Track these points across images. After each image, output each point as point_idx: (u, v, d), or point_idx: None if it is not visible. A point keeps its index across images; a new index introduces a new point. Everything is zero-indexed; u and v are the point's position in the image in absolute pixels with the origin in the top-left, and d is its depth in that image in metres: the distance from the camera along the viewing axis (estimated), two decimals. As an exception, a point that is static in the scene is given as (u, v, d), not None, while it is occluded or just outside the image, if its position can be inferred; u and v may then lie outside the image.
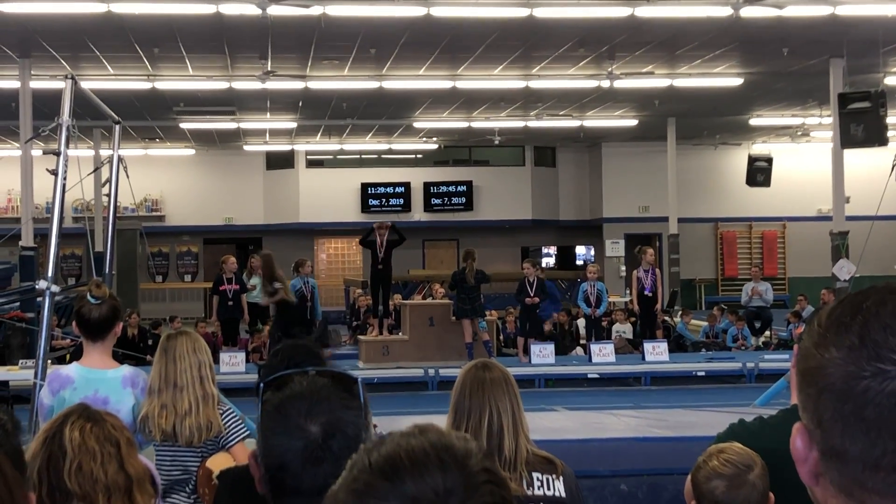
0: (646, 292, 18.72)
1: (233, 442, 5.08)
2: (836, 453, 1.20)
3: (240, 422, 5.15)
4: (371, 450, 1.34)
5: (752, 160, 28.29)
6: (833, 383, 1.19)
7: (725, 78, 22.25)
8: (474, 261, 17.22)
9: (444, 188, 33.64)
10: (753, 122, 28.55)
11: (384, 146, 32.10)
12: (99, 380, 5.13)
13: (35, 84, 19.26)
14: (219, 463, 4.77)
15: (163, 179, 32.30)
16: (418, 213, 33.39)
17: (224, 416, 5.10)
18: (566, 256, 35.51)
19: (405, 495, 1.26)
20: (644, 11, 16.41)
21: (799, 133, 30.70)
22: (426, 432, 1.35)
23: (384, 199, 33.42)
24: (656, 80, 22.16)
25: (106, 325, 5.19)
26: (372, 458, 1.31)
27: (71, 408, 2.82)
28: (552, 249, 35.79)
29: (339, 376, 2.12)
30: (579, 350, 20.30)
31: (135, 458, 2.78)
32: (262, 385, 2.12)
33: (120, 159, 10.73)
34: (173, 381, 5.01)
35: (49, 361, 8.63)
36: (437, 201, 33.50)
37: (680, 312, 22.03)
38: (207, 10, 15.81)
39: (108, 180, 10.74)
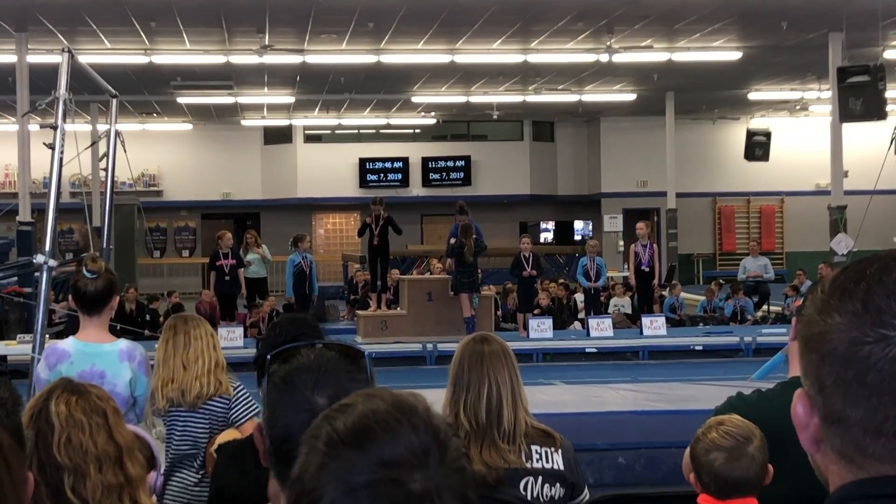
0: (643, 267, 18.73)
1: (243, 419, 5.10)
2: (838, 419, 1.21)
3: (250, 399, 5.15)
4: (333, 419, 1.32)
5: (750, 134, 28.26)
6: (836, 349, 1.20)
7: (724, 52, 22.19)
8: (471, 237, 17.20)
9: (442, 163, 33.60)
10: (752, 96, 28.50)
11: (382, 121, 32.06)
12: (95, 354, 5.13)
13: (32, 58, 19.19)
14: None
15: (160, 154, 32.25)
16: (416, 188, 33.36)
17: (236, 390, 5.13)
18: (564, 231, 35.52)
19: (383, 461, 1.25)
20: (643, -15, 16.36)
21: (797, 107, 30.66)
22: (381, 395, 1.34)
23: (382, 174, 33.38)
24: (655, 55, 22.11)
25: (102, 299, 5.19)
26: (338, 429, 1.29)
27: (55, 382, 2.82)
28: (550, 224, 35.79)
29: (346, 349, 2.12)
30: (577, 325, 20.34)
31: (122, 427, 2.78)
32: (268, 357, 2.11)
33: (117, 134, 10.69)
34: (183, 346, 5.05)
35: (47, 336, 8.63)
36: (436, 176, 33.47)
37: (669, 288, 22.01)
38: (204, -17, 15.76)
39: (106, 155, 10.70)
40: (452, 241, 17.56)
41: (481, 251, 17.51)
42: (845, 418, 1.20)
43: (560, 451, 3.81)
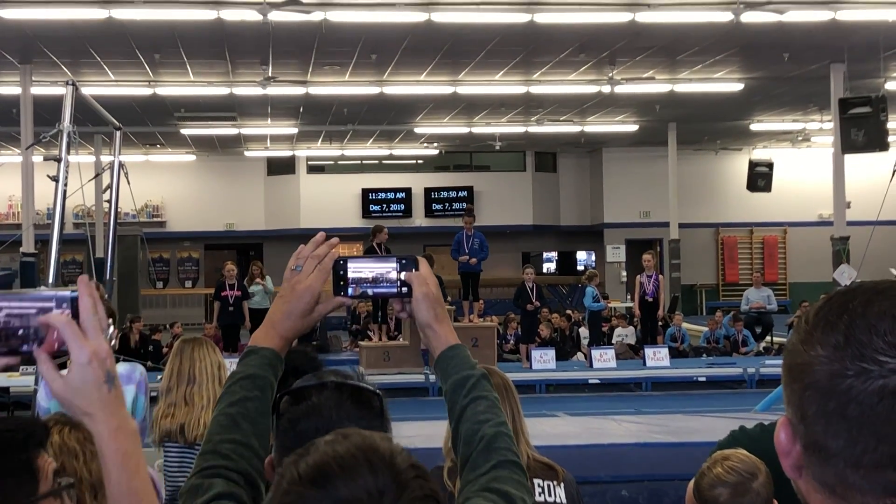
0: (647, 297, 18.72)
1: None
2: (819, 448, 1.21)
3: None
4: (298, 460, 1.38)
5: (752, 165, 28.26)
6: (818, 380, 1.20)
7: (726, 83, 22.26)
8: (432, 267, 17.17)
9: (444, 193, 33.64)
10: (754, 127, 28.56)
11: (385, 152, 32.11)
12: None
13: (36, 90, 19.26)
14: None
15: (164, 185, 32.30)
16: (419, 219, 33.39)
17: None
18: (567, 262, 35.49)
19: (339, 500, 1.31)
20: (644, 17, 16.42)
21: (800, 138, 30.69)
22: (349, 437, 1.40)
23: (385, 205, 33.42)
24: (657, 86, 22.17)
25: None
26: (300, 469, 1.36)
27: (49, 416, 2.82)
28: (553, 255, 35.77)
29: (359, 390, 2.11)
30: (580, 356, 20.31)
31: None
32: (278, 396, 2.11)
33: (121, 165, 10.72)
34: (189, 378, 5.02)
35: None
36: (438, 207, 33.49)
37: (670, 318, 22.05)
38: (209, 15, 15.82)
39: (109, 186, 10.74)
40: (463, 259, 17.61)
41: (440, 284, 17.39)
42: (826, 448, 1.20)
43: (563, 484, 3.80)
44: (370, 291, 2.16)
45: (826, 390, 1.19)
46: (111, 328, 2.29)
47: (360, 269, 2.15)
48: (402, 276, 2.15)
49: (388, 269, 2.16)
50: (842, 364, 1.18)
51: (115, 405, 1.66)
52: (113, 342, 5.25)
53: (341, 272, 2.15)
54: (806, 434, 1.23)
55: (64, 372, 1.65)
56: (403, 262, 2.17)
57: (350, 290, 2.16)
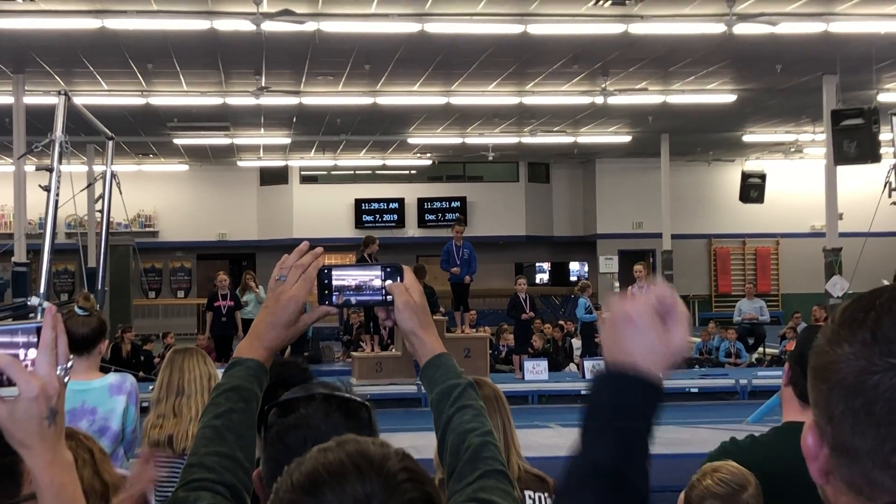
0: (640, 308, 18.69)
1: None
2: (847, 450, 1.20)
3: None
4: (293, 470, 1.42)
5: (745, 176, 28.32)
6: (844, 378, 1.20)
7: (719, 94, 22.29)
8: (423, 278, 17.20)
9: (437, 204, 33.65)
10: (747, 138, 28.60)
11: (378, 162, 32.12)
12: (85, 391, 5.13)
13: (28, 99, 19.24)
14: None
15: (156, 195, 32.27)
16: (412, 229, 33.38)
17: None
18: (560, 272, 35.51)
19: None
20: (637, 28, 16.44)
21: (792, 149, 30.74)
22: (343, 444, 1.43)
23: (378, 215, 33.42)
24: (650, 97, 22.20)
25: (92, 341, 5.20)
26: (294, 478, 1.40)
27: None
28: (546, 265, 35.78)
29: (347, 402, 2.11)
30: (573, 367, 20.30)
31: (110, 467, 2.78)
32: (267, 407, 2.11)
33: (113, 175, 10.71)
34: (178, 389, 5.02)
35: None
36: (431, 217, 33.49)
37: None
38: (202, 26, 15.81)
39: (102, 196, 10.72)
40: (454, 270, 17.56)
41: (431, 294, 17.33)
42: (854, 449, 1.19)
43: (554, 496, 3.79)
44: (353, 299, 2.16)
45: (853, 388, 1.18)
46: (70, 363, 2.29)
47: (343, 277, 2.15)
48: (386, 284, 2.14)
49: (372, 277, 2.15)
50: (869, 360, 1.18)
51: (54, 439, 1.72)
52: (99, 354, 5.20)
53: (325, 281, 2.15)
54: (833, 435, 1.21)
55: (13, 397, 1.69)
56: (388, 270, 2.16)
57: (334, 299, 2.15)
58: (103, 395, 5.16)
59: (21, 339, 1.73)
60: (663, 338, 1.47)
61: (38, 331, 1.71)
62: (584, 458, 1.42)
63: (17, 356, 1.71)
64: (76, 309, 5.14)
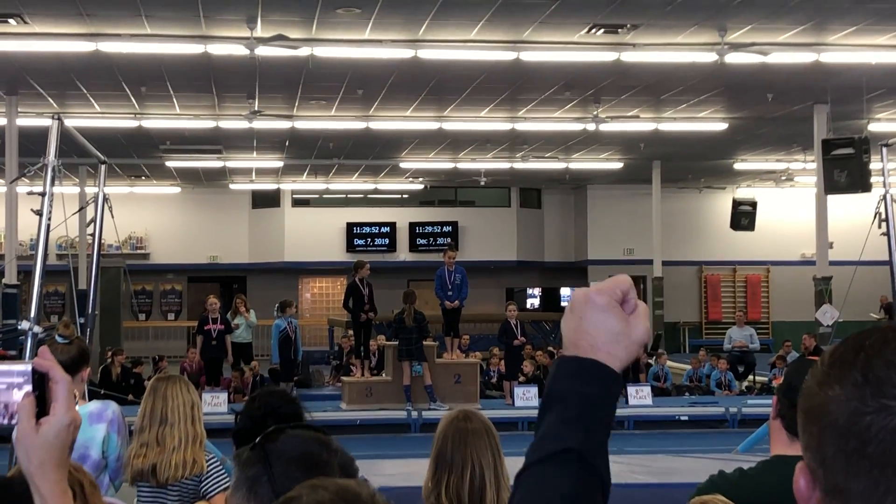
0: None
1: (214, 492, 5.04)
2: (839, 492, 1.18)
3: (222, 472, 5.10)
4: None
5: (736, 204, 28.40)
6: (836, 419, 1.18)
7: (710, 122, 22.38)
8: (413, 303, 17.18)
9: (429, 228, 33.67)
10: (738, 166, 28.70)
11: (370, 186, 32.16)
12: None
13: (21, 121, 19.25)
14: None
15: (148, 217, 32.26)
16: (403, 254, 33.39)
17: (208, 463, 5.07)
18: (551, 298, 35.48)
19: None
20: (630, 56, 16.53)
21: (783, 178, 30.86)
22: (326, 486, 1.46)
23: (369, 239, 33.42)
24: (642, 124, 22.29)
25: (72, 368, 5.17)
26: None
27: None
28: (537, 291, 35.78)
29: (316, 434, 2.14)
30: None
31: (98, 499, 2.77)
32: (235, 442, 2.15)
33: (105, 199, 10.70)
34: (161, 418, 4.99)
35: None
36: (423, 241, 33.51)
37: (655, 357, 21.95)
38: (196, 50, 15.85)
39: (94, 220, 10.71)
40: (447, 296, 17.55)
41: (422, 320, 17.29)
42: (847, 491, 1.17)
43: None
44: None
45: (845, 429, 1.17)
46: (76, 399, 2.30)
47: None
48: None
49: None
50: (861, 402, 1.16)
51: (65, 471, 1.72)
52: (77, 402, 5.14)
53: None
54: (826, 478, 1.20)
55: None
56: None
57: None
58: (83, 424, 5.12)
59: (16, 379, 1.72)
60: (624, 325, 1.45)
61: (32, 371, 1.70)
62: (550, 443, 1.41)
63: (9, 394, 1.72)
64: (56, 337, 5.10)
